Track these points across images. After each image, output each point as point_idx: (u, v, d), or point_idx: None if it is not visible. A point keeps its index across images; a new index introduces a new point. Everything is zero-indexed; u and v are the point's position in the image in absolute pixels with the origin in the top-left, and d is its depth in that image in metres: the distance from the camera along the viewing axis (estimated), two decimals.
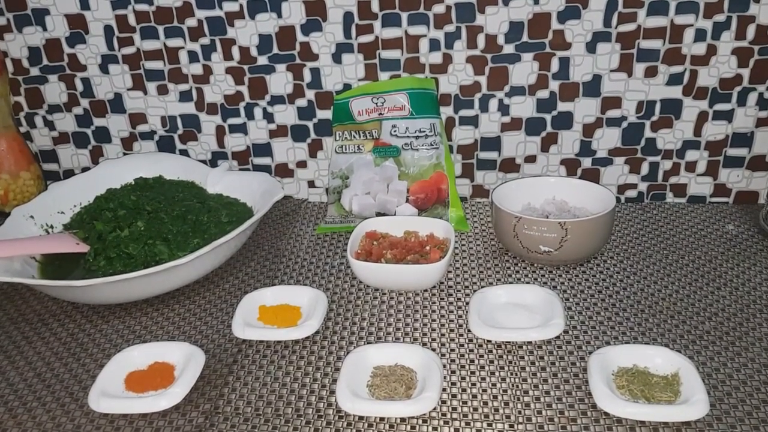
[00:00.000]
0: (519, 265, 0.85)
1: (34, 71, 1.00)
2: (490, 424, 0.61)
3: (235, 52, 0.95)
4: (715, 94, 0.91)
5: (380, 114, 0.94)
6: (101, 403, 0.63)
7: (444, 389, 0.65)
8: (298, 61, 0.94)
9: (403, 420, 0.61)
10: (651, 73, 0.90)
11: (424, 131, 0.93)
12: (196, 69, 0.97)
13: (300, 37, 0.93)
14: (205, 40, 0.95)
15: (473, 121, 0.96)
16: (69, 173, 1.07)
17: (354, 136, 0.96)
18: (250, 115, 0.99)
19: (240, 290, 0.82)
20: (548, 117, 0.95)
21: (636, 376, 0.63)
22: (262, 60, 0.95)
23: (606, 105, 0.93)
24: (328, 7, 0.90)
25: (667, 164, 0.96)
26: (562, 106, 0.94)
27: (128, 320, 0.78)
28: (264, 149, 1.02)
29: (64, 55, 0.98)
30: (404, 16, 0.90)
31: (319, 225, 0.97)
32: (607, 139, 0.95)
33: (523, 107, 0.94)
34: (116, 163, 0.99)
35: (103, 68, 0.98)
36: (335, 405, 0.63)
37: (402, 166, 0.95)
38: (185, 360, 0.68)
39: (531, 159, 0.98)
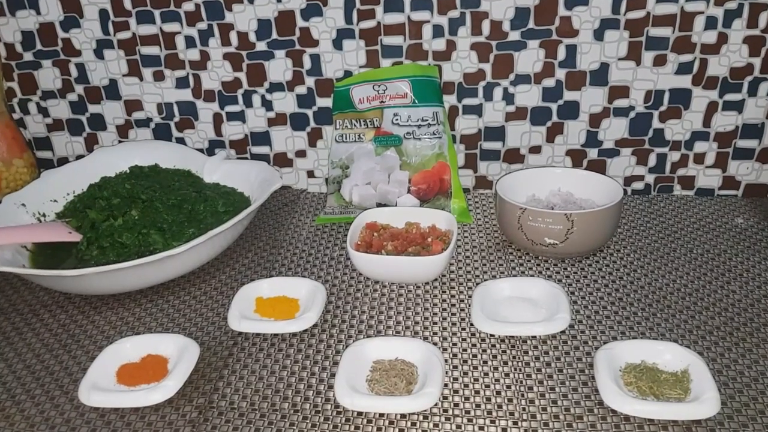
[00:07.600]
0: (523, 257, 0.83)
1: (28, 56, 0.98)
2: (493, 421, 0.59)
3: (233, 37, 0.93)
4: (726, 83, 0.89)
5: (382, 102, 0.92)
6: (92, 397, 0.62)
7: (445, 384, 0.63)
8: (297, 47, 0.93)
9: (403, 416, 0.60)
10: (660, 61, 0.88)
11: (427, 120, 0.91)
12: (193, 55, 0.95)
13: (300, 23, 0.91)
14: (203, 25, 0.93)
15: (477, 110, 0.94)
16: (63, 161, 1.05)
17: (355, 125, 0.94)
18: (248, 103, 0.98)
19: (236, 281, 0.81)
20: (554, 106, 0.93)
21: (644, 373, 0.62)
22: (261, 46, 0.93)
23: (613, 94, 0.91)
24: None
25: (675, 156, 0.94)
26: (569, 95, 0.92)
27: (121, 311, 0.76)
28: (262, 138, 1.00)
29: (58, 39, 0.96)
30: (407, 1, 0.88)
31: (319, 215, 0.95)
32: (614, 129, 0.93)
33: (529, 96, 0.92)
34: (111, 150, 0.98)
35: (98, 53, 0.97)
36: (333, 400, 0.62)
37: (404, 155, 0.93)
38: (179, 353, 0.66)
39: (536, 149, 0.96)
